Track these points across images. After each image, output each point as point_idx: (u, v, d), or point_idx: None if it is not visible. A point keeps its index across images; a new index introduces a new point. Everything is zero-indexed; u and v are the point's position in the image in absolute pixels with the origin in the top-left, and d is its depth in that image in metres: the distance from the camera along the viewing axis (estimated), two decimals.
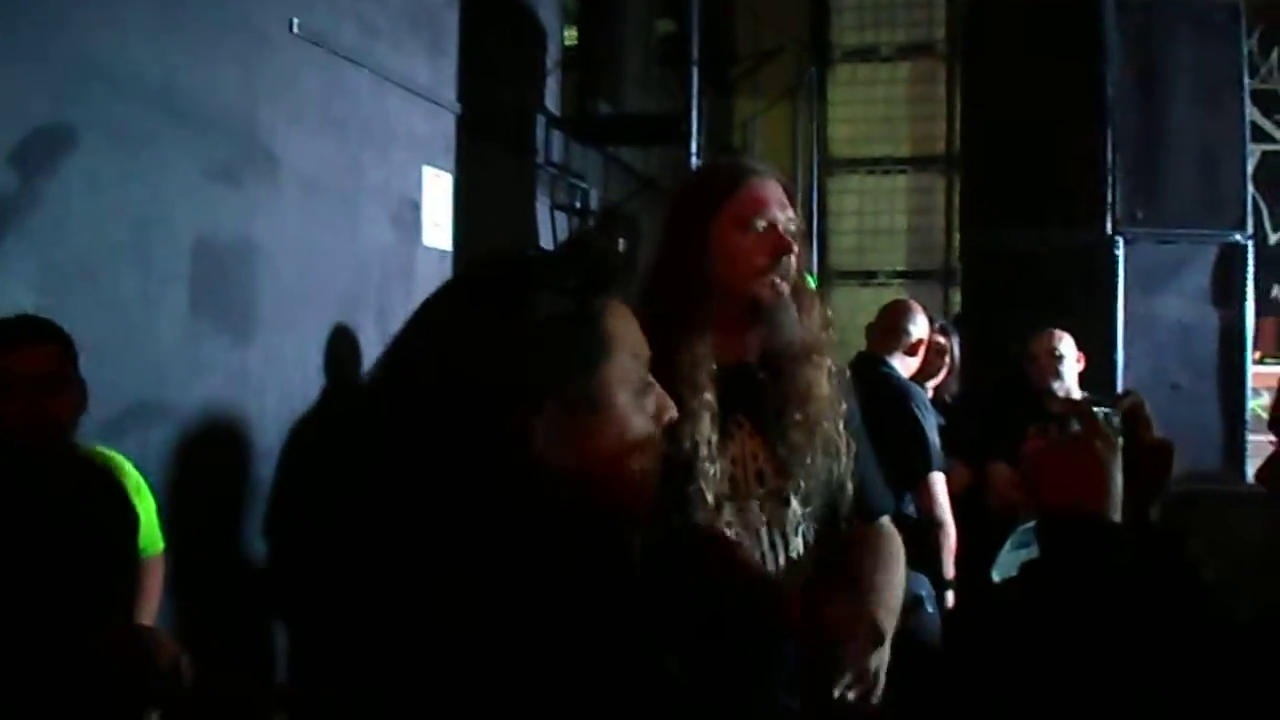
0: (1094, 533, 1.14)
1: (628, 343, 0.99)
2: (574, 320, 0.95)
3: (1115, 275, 4.10)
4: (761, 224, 1.64)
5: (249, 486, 2.99)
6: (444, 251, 4.08)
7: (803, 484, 1.66)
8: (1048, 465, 1.21)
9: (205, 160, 2.80)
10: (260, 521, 3.02)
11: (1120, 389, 3.98)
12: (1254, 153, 8.16)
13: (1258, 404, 5.85)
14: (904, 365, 3.39)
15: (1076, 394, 3.61)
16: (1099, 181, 4.13)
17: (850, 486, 1.71)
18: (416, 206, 3.88)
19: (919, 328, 3.38)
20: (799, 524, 1.67)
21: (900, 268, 8.23)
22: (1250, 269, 4.16)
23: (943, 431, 3.63)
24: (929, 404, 3.42)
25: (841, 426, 1.68)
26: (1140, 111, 4.19)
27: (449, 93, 4.14)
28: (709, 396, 1.58)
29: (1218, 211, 4.18)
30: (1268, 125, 8.53)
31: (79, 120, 2.36)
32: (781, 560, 1.65)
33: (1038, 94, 4.20)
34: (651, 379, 1.03)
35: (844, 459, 1.67)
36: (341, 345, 3.40)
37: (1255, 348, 6.94)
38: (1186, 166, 4.19)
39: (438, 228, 4.03)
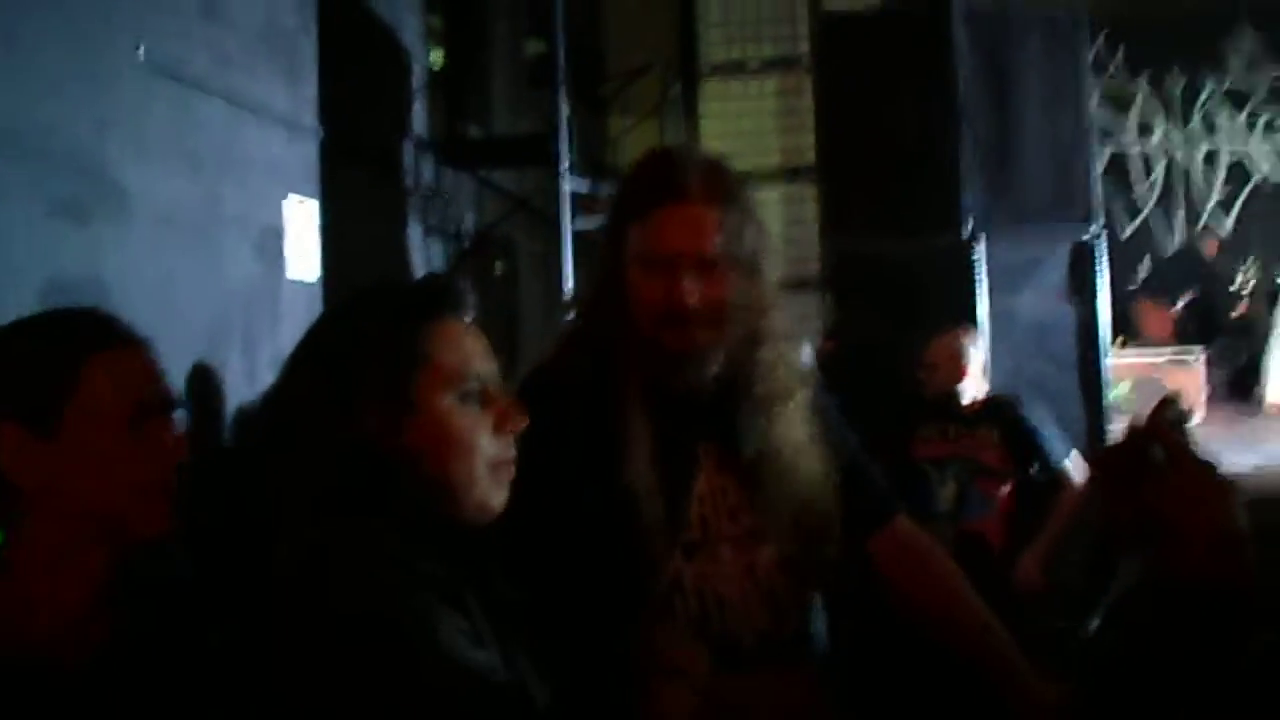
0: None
1: (455, 357, 1.08)
2: (388, 336, 1.06)
3: (975, 275, 4.24)
4: (658, 262, 1.42)
5: None
6: (311, 282, 4.00)
7: (780, 522, 1.50)
8: (1184, 506, 0.87)
9: (50, 198, 2.68)
10: None
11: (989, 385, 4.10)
12: (1104, 151, 8.59)
13: (1119, 392, 6.12)
14: None
15: (982, 393, 3.63)
16: (955, 185, 4.28)
17: (850, 495, 1.56)
18: (280, 236, 3.79)
19: None
20: (790, 562, 1.52)
21: (778, 277, 8.37)
22: (1103, 265, 4.35)
23: None
24: None
25: (802, 472, 1.51)
26: (992, 116, 4.36)
27: (310, 119, 4.06)
28: (640, 427, 1.43)
29: (1069, 209, 4.37)
30: (1115, 124, 8.98)
31: None
32: (767, 611, 1.50)
33: (893, 103, 4.34)
34: (495, 390, 1.11)
35: (823, 493, 1.51)
36: (205, 381, 3.29)
37: (1138, 333, 7.30)
38: (1038, 168, 4.37)
39: (304, 257, 3.95)
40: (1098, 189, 4.44)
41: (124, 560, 1.17)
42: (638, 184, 1.49)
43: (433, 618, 0.96)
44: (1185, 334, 7.74)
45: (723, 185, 1.46)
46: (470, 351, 1.10)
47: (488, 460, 1.09)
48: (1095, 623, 1.02)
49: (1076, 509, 3.43)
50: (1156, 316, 7.87)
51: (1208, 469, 0.88)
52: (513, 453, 1.12)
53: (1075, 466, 3.49)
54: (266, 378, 3.72)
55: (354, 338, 1.07)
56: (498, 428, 1.10)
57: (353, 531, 1.00)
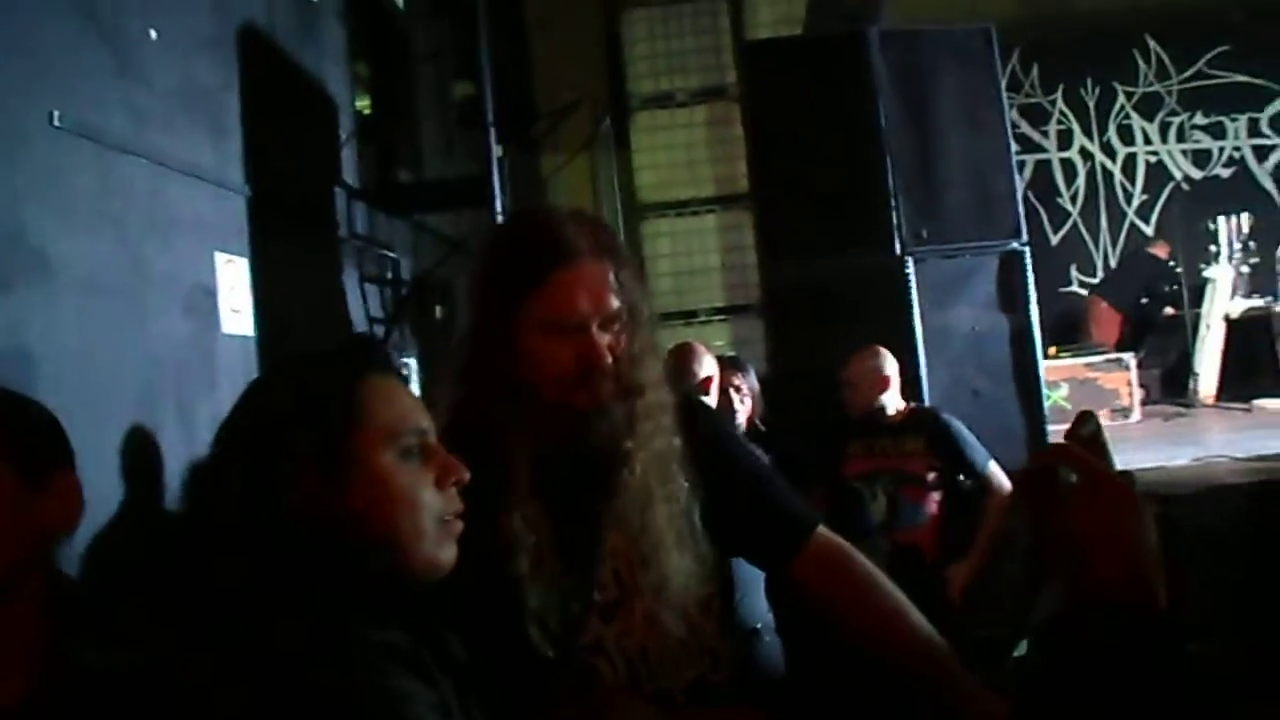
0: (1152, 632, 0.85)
1: (391, 414, 1.08)
2: (325, 396, 1.05)
3: (908, 292, 4.31)
4: (570, 327, 1.43)
5: None
6: (246, 337, 3.95)
7: (683, 564, 1.50)
8: (1092, 532, 0.87)
9: None
10: None
11: (927, 399, 4.17)
12: (1028, 163, 8.79)
13: (1057, 396, 6.23)
14: None
15: (897, 407, 3.73)
16: (884, 206, 4.36)
17: (758, 527, 1.59)
18: (212, 294, 3.74)
19: (704, 368, 3.45)
20: (709, 604, 1.54)
21: (719, 304, 8.44)
22: (1029, 274, 4.44)
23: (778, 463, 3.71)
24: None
25: (695, 517, 1.52)
26: (913, 136, 4.46)
27: (236, 175, 4.02)
28: (526, 494, 1.43)
29: (994, 223, 4.47)
30: (1036, 136, 9.19)
31: None
32: (695, 658, 1.52)
33: (818, 127, 4.42)
34: (433, 444, 1.11)
35: (701, 549, 1.52)
36: (140, 446, 3.23)
37: (1089, 333, 7.42)
38: (961, 184, 4.47)
39: (237, 314, 3.90)
40: (1019, 201, 4.55)
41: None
42: (523, 251, 1.47)
43: (404, 697, 0.93)
44: (1135, 335, 7.89)
45: (605, 239, 1.49)
46: (405, 407, 1.10)
47: (434, 515, 1.08)
48: (1022, 646, 1.02)
49: (1001, 518, 3.55)
50: (1108, 317, 8.00)
51: (1119, 489, 0.88)
52: (459, 505, 1.11)
53: (996, 474, 3.63)
54: (205, 438, 3.64)
55: (285, 402, 1.06)
56: (440, 481, 1.09)
57: (304, 607, 0.97)
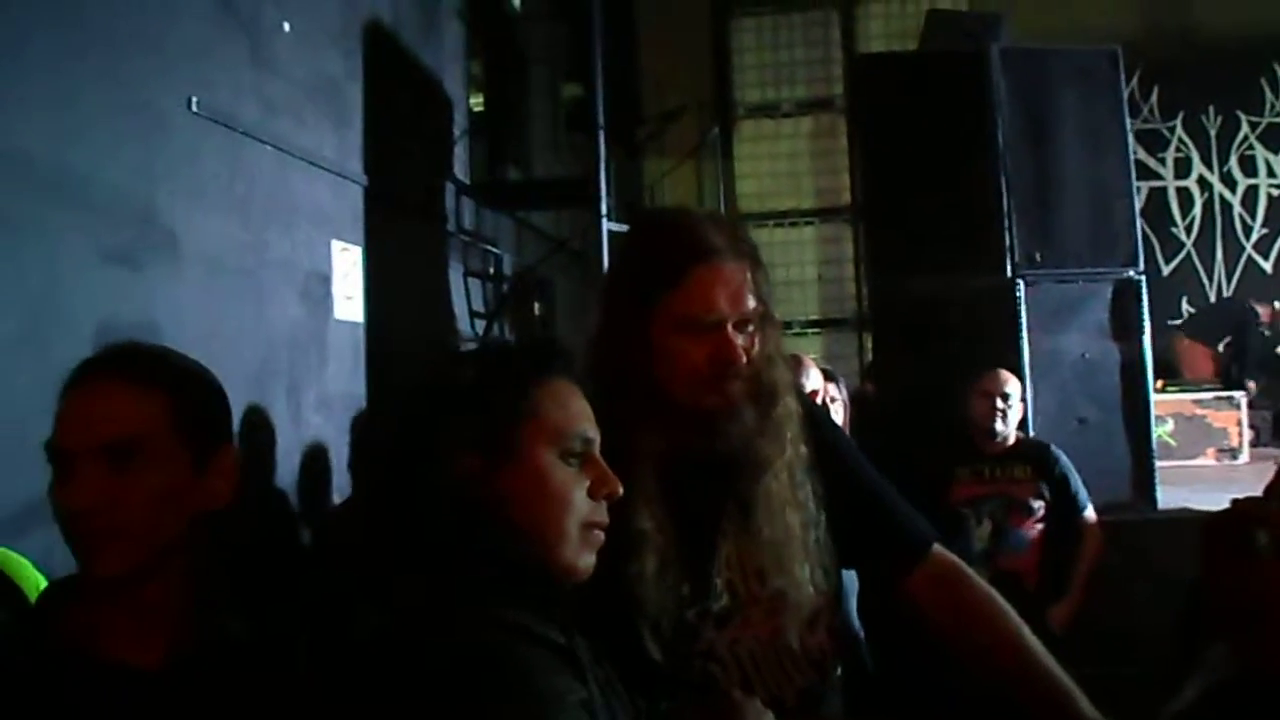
0: None
1: (561, 415, 1.10)
2: (505, 383, 1.09)
3: (1018, 316, 4.22)
4: (707, 325, 1.41)
5: None
6: (356, 324, 4.04)
7: (805, 574, 1.48)
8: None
9: (103, 244, 2.73)
10: None
11: (1032, 425, 4.08)
12: (1140, 190, 8.55)
13: (1163, 431, 6.05)
14: None
15: (1011, 437, 3.68)
16: (997, 226, 4.27)
17: (876, 539, 1.57)
18: (326, 280, 3.84)
19: (811, 380, 3.42)
20: (819, 616, 1.52)
21: (814, 316, 8.38)
22: (1145, 303, 4.31)
23: None
24: None
25: (823, 528, 1.51)
26: (1031, 157, 4.35)
27: (355, 165, 4.12)
28: (653, 497, 1.42)
29: (1111, 250, 4.34)
30: (1152, 163, 8.93)
31: None
32: (804, 668, 1.50)
33: (932, 144, 4.34)
34: (594, 455, 1.13)
35: (824, 559, 1.51)
36: (253, 424, 3.32)
37: (1178, 372, 7.23)
38: (1078, 208, 4.35)
39: (349, 300, 3.99)
40: (1139, 228, 4.42)
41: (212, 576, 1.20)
42: (662, 248, 1.46)
43: (558, 696, 0.94)
44: (1228, 375, 7.63)
45: (743, 241, 1.47)
46: (576, 412, 1.12)
47: (580, 519, 1.09)
48: (1179, 704, 0.98)
49: (1096, 560, 3.60)
50: (1195, 353, 7.77)
51: None
52: (605, 518, 1.12)
53: (1092, 518, 3.64)
54: (312, 419, 3.75)
55: (467, 384, 1.10)
56: (594, 490, 1.11)
57: (464, 593, 0.99)
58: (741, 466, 1.48)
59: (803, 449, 1.51)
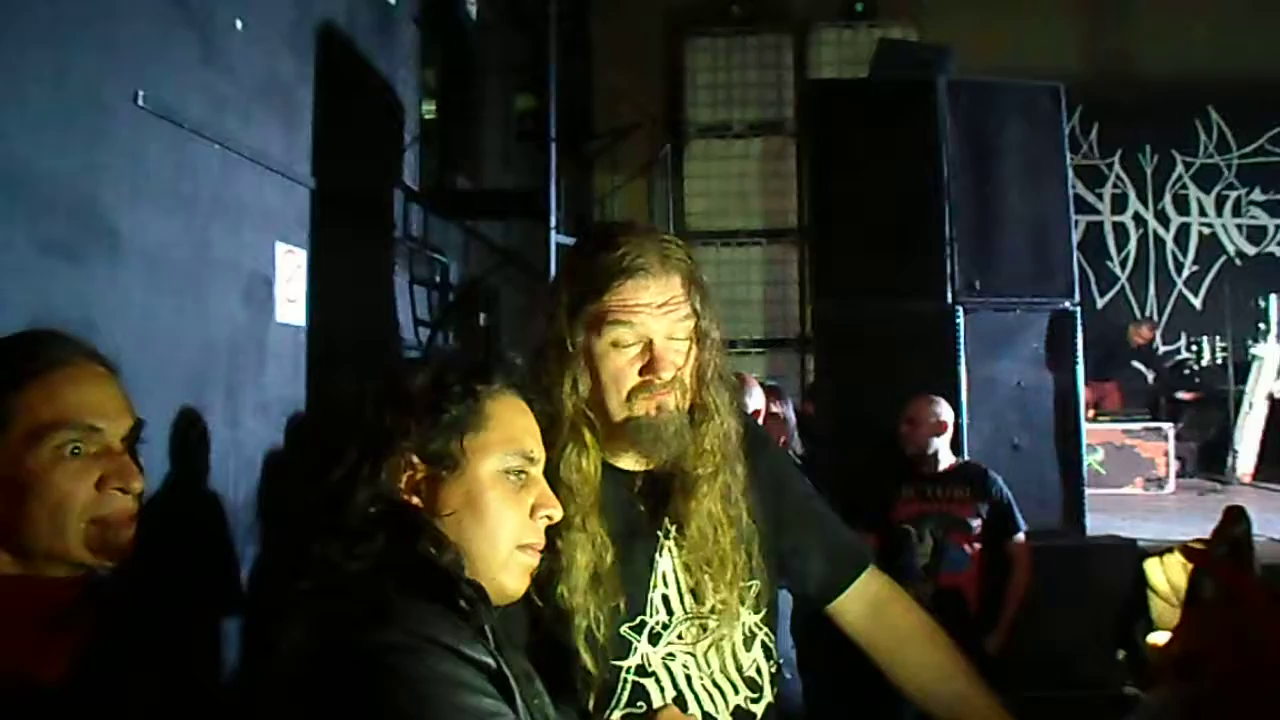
0: None
1: (508, 430, 1.10)
2: (454, 393, 1.08)
3: (957, 342, 4.30)
4: (630, 338, 1.41)
5: None
6: (298, 327, 4.00)
7: (739, 593, 1.49)
8: (1227, 659, 0.84)
9: (43, 237, 2.68)
10: None
11: (966, 449, 4.16)
12: (1079, 224, 8.75)
13: (1093, 459, 6.18)
14: None
15: (950, 458, 3.78)
16: (939, 253, 4.36)
17: (811, 559, 1.60)
18: (269, 282, 3.80)
19: (754, 399, 3.46)
20: (754, 634, 1.53)
21: (759, 336, 8.45)
22: (1079, 334, 4.42)
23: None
24: None
25: (755, 548, 1.51)
26: (974, 186, 4.46)
27: (303, 167, 4.09)
28: (588, 511, 1.43)
29: (1049, 281, 4.45)
30: (1090, 197, 9.16)
31: None
32: (738, 686, 1.51)
33: (878, 170, 4.42)
34: (537, 475, 1.13)
35: (756, 580, 1.52)
36: (189, 426, 3.27)
37: (1097, 408, 7.36)
38: (1018, 238, 4.47)
39: (292, 304, 3.95)
40: (1075, 260, 4.53)
41: (91, 581, 1.16)
42: (593, 262, 1.45)
43: (490, 715, 0.94)
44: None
45: (678, 255, 1.46)
46: (523, 428, 1.12)
47: (513, 538, 1.09)
48: None
49: (1026, 588, 3.71)
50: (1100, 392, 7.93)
51: (1267, 607, 0.83)
52: (541, 540, 1.12)
53: (1024, 546, 3.76)
54: (249, 422, 3.70)
55: (419, 388, 1.09)
56: (533, 511, 1.11)
57: (393, 610, 0.97)
58: (676, 484, 1.49)
59: (739, 469, 1.52)
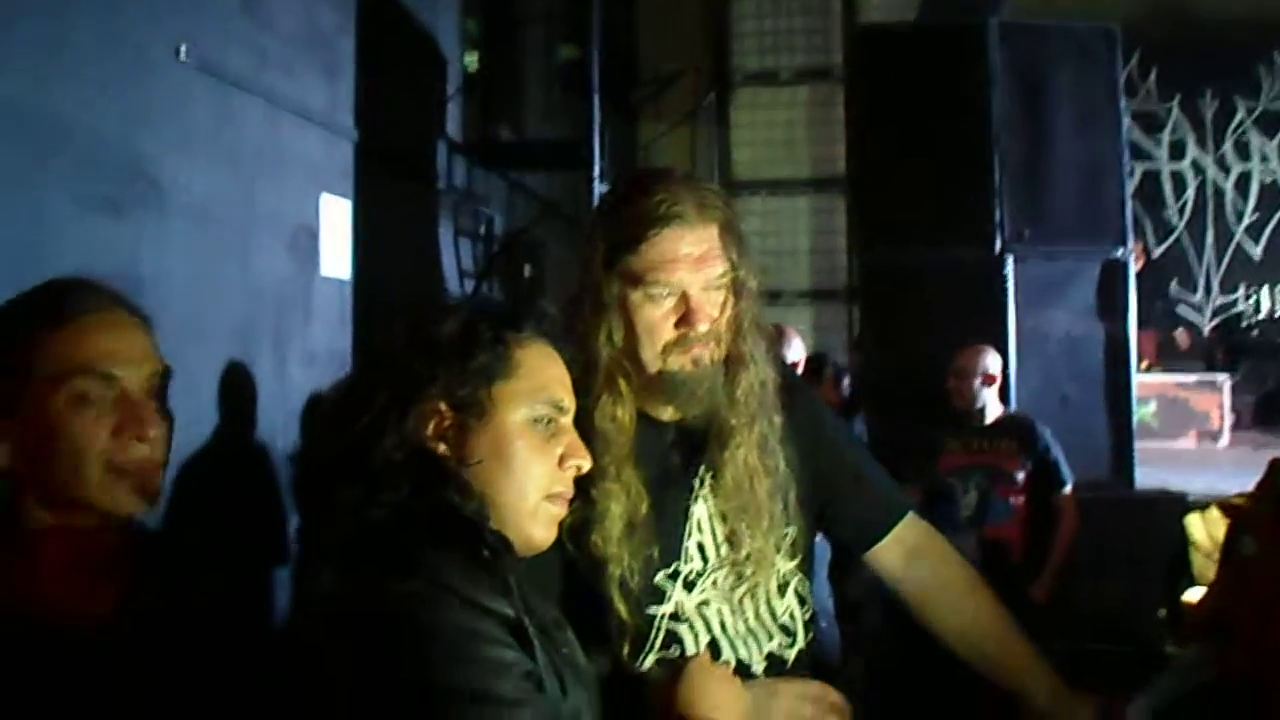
0: None
1: (537, 378, 1.09)
2: (483, 339, 1.07)
3: (1005, 292, 4.23)
4: (669, 289, 1.40)
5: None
6: (343, 280, 4.03)
7: (774, 542, 1.50)
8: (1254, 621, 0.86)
9: (86, 193, 2.71)
10: None
11: (1014, 401, 4.11)
12: (1136, 171, 8.54)
13: (1145, 412, 6.09)
14: None
15: (997, 410, 3.74)
16: (987, 201, 4.27)
17: (850, 506, 1.62)
18: (314, 235, 3.82)
19: (794, 351, 3.45)
20: (788, 581, 1.54)
21: (805, 287, 8.38)
22: (1132, 284, 4.33)
23: None
24: None
25: (791, 497, 1.52)
26: (1025, 133, 4.36)
27: (346, 119, 4.09)
28: (622, 460, 1.43)
29: (1101, 229, 4.36)
30: (1147, 144, 8.92)
31: None
32: (772, 632, 1.52)
33: (926, 117, 4.33)
34: (567, 424, 1.12)
35: (791, 529, 1.52)
36: (236, 379, 3.32)
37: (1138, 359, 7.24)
38: (1070, 186, 4.37)
39: (337, 256, 3.98)
40: (1129, 209, 4.42)
41: (131, 535, 1.17)
42: (629, 211, 1.44)
43: (504, 668, 0.95)
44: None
45: (715, 206, 1.45)
46: (553, 377, 1.11)
47: (541, 488, 1.09)
48: (1156, 700, 0.98)
49: (1075, 535, 3.69)
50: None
51: None
52: (570, 489, 1.11)
53: (1071, 498, 3.73)
54: (296, 374, 3.75)
55: (448, 334, 1.08)
56: (561, 460, 1.10)
57: (417, 559, 0.98)
58: (712, 434, 1.49)
59: (775, 418, 1.51)
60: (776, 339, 3.49)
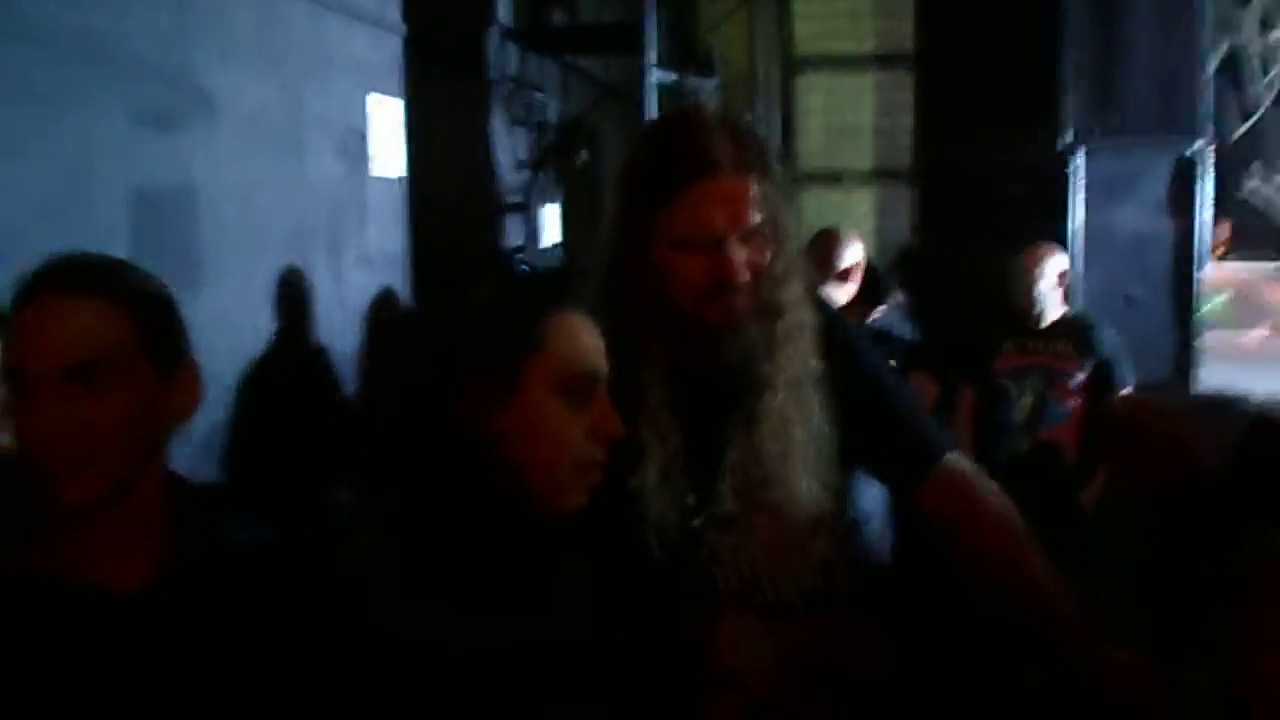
0: None
1: (569, 350, 1.10)
2: (512, 314, 1.09)
3: (1072, 188, 4.10)
4: (704, 242, 1.39)
5: (205, 443, 2.99)
6: (396, 179, 4.02)
7: (808, 485, 1.51)
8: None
9: (135, 107, 2.71)
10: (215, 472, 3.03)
11: (1078, 299, 4.02)
12: (1221, 45, 8.09)
13: (1218, 302, 5.93)
14: (840, 293, 3.39)
15: (1058, 310, 3.66)
16: (1055, 92, 4.11)
17: (889, 448, 1.61)
18: (363, 136, 3.80)
19: (849, 254, 3.39)
20: (824, 521, 1.55)
21: (868, 168, 8.18)
22: (1205, 181, 4.16)
23: (912, 347, 3.70)
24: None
25: (826, 442, 1.52)
26: (1098, 19, 4.14)
27: (394, 14, 4.02)
28: (665, 410, 1.45)
29: (1174, 123, 4.17)
30: (1234, 16, 8.40)
31: None
32: (808, 572, 1.54)
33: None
34: (600, 393, 1.12)
35: (827, 474, 1.53)
36: (293, 284, 3.37)
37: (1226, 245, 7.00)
38: (1143, 77, 4.17)
39: (388, 156, 3.96)
40: (1206, 101, 4.21)
41: (182, 502, 1.19)
42: (662, 159, 1.43)
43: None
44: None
45: (750, 151, 1.43)
46: (585, 347, 1.12)
47: (576, 459, 1.10)
48: None
49: None
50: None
51: None
52: (602, 458, 1.12)
53: (1128, 394, 3.63)
54: (353, 277, 3.79)
55: (474, 315, 1.10)
56: (593, 429, 1.11)
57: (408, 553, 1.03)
58: (746, 381, 1.49)
59: (812, 363, 1.51)
60: (831, 245, 3.44)
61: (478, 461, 1.06)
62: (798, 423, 1.50)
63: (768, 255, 1.44)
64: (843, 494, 1.63)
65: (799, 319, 1.50)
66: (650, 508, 1.46)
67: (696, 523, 1.50)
